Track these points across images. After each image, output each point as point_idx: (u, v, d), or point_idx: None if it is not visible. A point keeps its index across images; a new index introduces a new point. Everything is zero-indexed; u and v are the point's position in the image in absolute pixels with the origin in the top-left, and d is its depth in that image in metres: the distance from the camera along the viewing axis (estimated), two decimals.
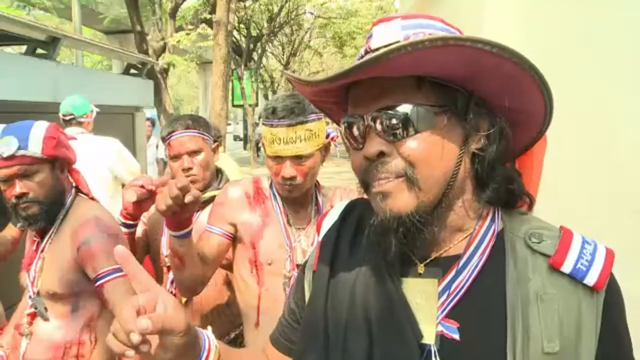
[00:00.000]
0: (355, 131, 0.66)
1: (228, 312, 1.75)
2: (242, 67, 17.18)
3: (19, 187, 1.41)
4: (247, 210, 1.45)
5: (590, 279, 0.63)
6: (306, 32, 21.30)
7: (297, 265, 1.39)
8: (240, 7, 14.39)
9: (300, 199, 1.44)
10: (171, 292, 1.77)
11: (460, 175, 0.65)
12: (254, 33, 18.18)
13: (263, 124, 1.36)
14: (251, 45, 18.12)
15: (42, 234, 1.52)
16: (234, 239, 1.47)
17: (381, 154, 0.63)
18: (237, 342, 1.74)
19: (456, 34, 0.67)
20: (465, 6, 2.31)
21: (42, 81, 3.51)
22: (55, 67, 3.70)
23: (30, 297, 1.50)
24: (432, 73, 0.62)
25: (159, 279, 1.88)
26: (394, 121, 0.62)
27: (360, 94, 0.66)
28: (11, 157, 1.38)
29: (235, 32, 15.29)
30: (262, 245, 1.42)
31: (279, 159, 1.34)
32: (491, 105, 0.66)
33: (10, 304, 1.87)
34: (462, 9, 2.39)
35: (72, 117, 3.06)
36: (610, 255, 0.66)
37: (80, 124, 3.07)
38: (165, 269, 1.76)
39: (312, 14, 19.57)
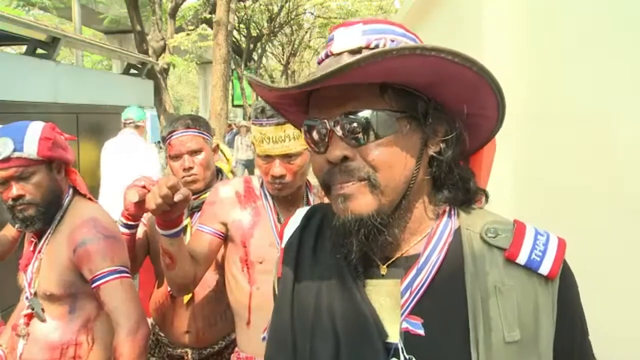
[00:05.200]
0: (316, 135, 0.67)
1: (229, 313, 1.75)
2: (242, 67, 17.18)
3: (15, 190, 1.40)
4: (238, 209, 1.46)
5: (544, 269, 0.66)
6: (306, 32, 21.29)
7: None
8: (240, 7, 14.40)
9: (290, 197, 1.44)
10: (172, 293, 1.77)
11: (419, 178, 0.68)
12: (254, 33, 18.18)
13: (252, 123, 1.37)
14: (251, 45, 18.12)
15: (39, 235, 1.51)
16: (225, 238, 1.47)
17: (344, 159, 0.65)
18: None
19: (415, 40, 0.69)
20: (464, 7, 2.30)
21: (42, 81, 3.52)
22: (55, 67, 3.70)
23: (27, 297, 1.49)
24: (396, 80, 0.63)
25: (160, 279, 1.88)
26: (356, 126, 0.63)
27: (323, 98, 0.67)
28: (7, 159, 1.37)
29: (235, 32, 15.28)
30: (253, 244, 1.42)
31: (268, 158, 1.35)
32: (450, 110, 0.69)
33: (9, 304, 1.87)
34: (461, 10, 2.38)
35: (131, 121, 3.86)
36: (562, 245, 0.68)
37: (137, 127, 3.86)
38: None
39: (312, 14, 19.56)
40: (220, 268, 1.69)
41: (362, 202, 0.64)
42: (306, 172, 1.43)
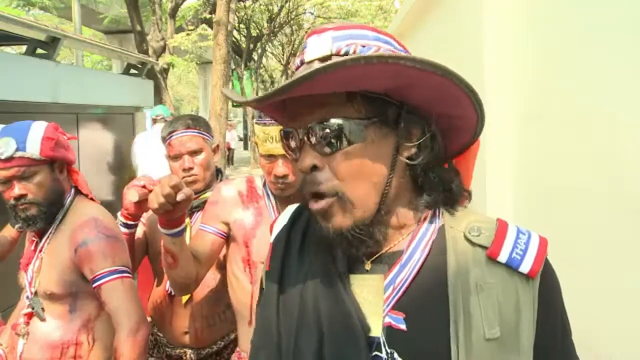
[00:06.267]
0: (292, 143, 0.68)
1: (228, 313, 1.75)
2: (242, 67, 17.18)
3: (17, 189, 1.40)
4: (240, 209, 1.46)
5: (525, 267, 0.66)
6: (306, 32, 21.23)
7: None
8: (240, 7, 14.39)
9: (293, 197, 1.44)
10: (170, 293, 1.77)
11: (394, 183, 0.68)
12: (254, 33, 18.16)
13: (256, 123, 1.37)
14: (251, 45, 18.12)
15: (40, 234, 1.51)
16: (228, 238, 1.48)
17: (314, 168, 0.65)
18: (237, 342, 1.74)
19: (389, 42, 0.69)
20: (464, 7, 2.30)
21: (42, 81, 3.51)
22: (55, 67, 3.69)
23: (27, 297, 1.49)
24: (361, 88, 0.63)
25: (158, 279, 1.88)
26: (324, 135, 0.64)
27: (294, 107, 0.67)
28: (9, 159, 1.37)
29: (235, 32, 15.29)
30: (255, 244, 1.42)
31: (271, 157, 1.36)
32: (423, 112, 0.69)
33: (9, 304, 1.87)
34: (461, 10, 2.39)
35: (162, 117, 4.55)
36: (543, 244, 0.69)
37: (166, 122, 4.48)
38: (164, 270, 1.76)
39: (312, 14, 19.52)
40: (220, 268, 1.69)
41: (338, 219, 0.66)
42: None
